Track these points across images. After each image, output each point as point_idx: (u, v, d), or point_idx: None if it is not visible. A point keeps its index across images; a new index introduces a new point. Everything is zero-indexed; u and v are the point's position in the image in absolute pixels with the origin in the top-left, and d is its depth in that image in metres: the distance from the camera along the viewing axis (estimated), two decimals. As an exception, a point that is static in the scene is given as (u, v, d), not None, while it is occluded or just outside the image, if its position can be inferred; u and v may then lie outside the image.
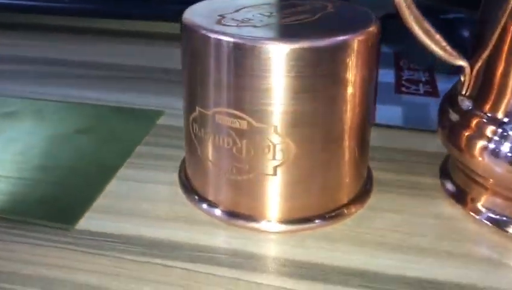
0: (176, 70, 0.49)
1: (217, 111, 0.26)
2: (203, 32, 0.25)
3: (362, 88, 0.26)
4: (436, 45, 0.27)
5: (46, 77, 0.46)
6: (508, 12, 0.26)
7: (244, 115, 0.25)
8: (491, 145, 0.27)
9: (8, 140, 0.35)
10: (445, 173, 0.32)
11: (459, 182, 0.30)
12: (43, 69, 0.47)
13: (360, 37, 0.25)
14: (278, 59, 0.24)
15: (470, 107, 0.28)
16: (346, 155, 0.27)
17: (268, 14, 0.27)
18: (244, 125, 0.25)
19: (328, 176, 0.27)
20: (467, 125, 0.28)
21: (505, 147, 0.26)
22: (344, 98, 0.25)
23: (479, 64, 0.27)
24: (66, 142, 0.35)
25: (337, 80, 0.25)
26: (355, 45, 0.25)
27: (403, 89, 0.43)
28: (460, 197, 0.30)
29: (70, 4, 0.52)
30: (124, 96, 0.42)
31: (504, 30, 0.26)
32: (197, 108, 0.27)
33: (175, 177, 0.31)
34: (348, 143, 0.26)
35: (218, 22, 0.26)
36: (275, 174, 0.26)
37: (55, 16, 0.53)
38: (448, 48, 0.27)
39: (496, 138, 0.27)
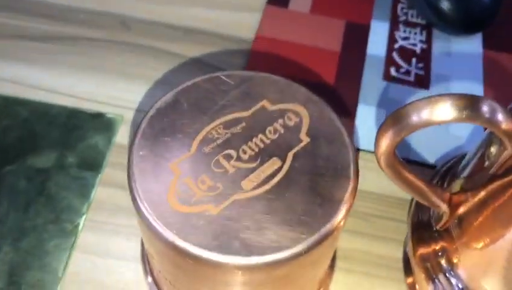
0: (138, 20, 0.38)
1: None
2: (152, 221, 0.22)
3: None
4: (421, 196, 0.24)
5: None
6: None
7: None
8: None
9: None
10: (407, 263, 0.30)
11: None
12: None
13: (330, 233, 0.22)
14: (223, 272, 0.21)
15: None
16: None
17: (233, 160, 0.23)
18: None
19: None
20: (428, 247, 0.27)
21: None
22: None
23: (460, 211, 0.25)
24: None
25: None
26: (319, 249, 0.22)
27: (392, 71, 0.37)
28: None
29: None
30: (55, 77, 0.35)
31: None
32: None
33: (137, 249, 0.30)
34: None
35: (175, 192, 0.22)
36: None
37: None
38: (433, 198, 0.24)
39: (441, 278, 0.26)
